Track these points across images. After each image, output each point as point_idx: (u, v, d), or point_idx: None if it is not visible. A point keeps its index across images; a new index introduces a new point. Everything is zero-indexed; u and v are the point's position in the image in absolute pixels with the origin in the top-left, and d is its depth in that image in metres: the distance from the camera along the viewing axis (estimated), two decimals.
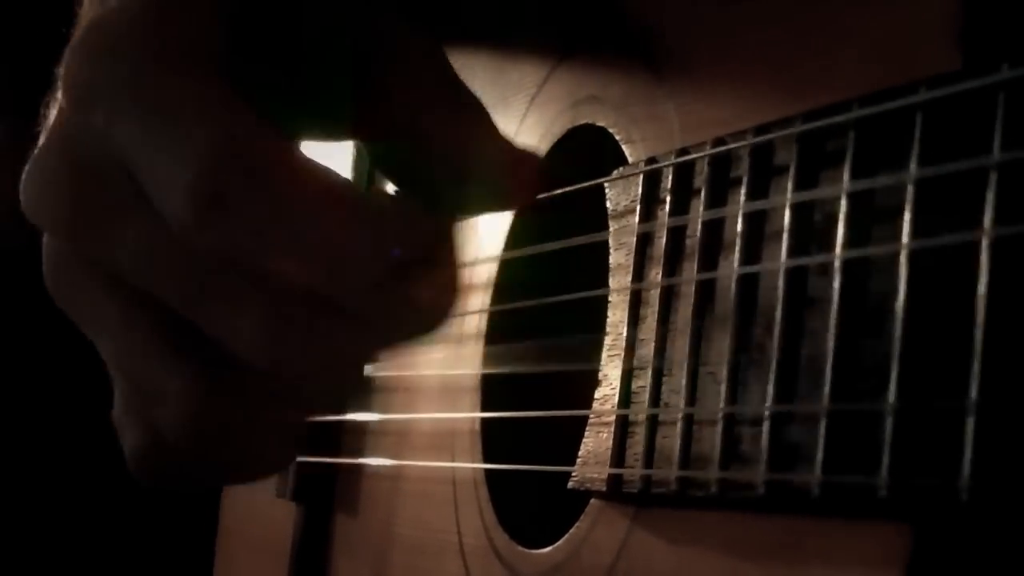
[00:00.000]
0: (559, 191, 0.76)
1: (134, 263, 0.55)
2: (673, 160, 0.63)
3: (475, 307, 0.83)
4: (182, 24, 0.54)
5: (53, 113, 0.58)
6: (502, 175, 0.57)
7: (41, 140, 0.57)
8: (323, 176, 0.53)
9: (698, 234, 0.61)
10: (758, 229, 0.57)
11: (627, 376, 0.65)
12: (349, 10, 0.58)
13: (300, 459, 0.98)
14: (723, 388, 0.57)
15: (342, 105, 0.58)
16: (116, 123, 0.53)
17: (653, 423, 0.62)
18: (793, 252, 0.54)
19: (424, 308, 0.55)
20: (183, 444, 0.56)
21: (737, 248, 0.58)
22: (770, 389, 0.54)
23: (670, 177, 0.63)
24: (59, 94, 0.56)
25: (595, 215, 0.70)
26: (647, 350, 0.64)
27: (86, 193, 0.55)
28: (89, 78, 0.54)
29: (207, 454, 0.57)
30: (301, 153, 0.54)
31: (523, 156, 0.58)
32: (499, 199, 0.58)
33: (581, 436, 0.68)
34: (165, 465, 0.58)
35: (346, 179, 0.54)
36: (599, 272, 0.69)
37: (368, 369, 0.60)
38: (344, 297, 0.53)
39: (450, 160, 0.57)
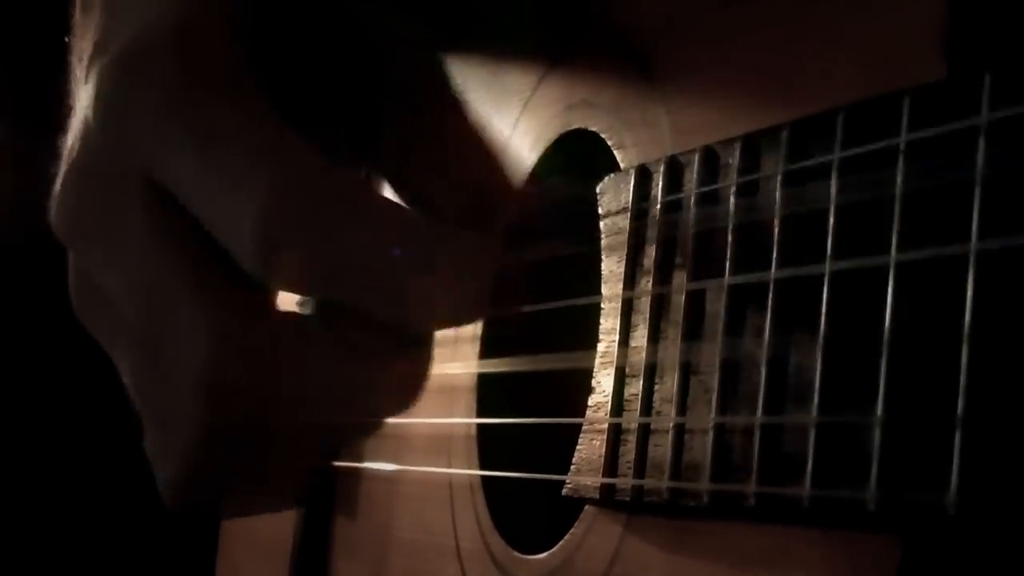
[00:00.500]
0: (551, 194, 0.76)
1: (158, 285, 0.55)
2: (663, 168, 0.63)
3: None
4: (216, 48, 0.54)
5: (76, 134, 0.57)
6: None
7: (69, 157, 0.57)
8: (389, 209, 0.53)
9: (689, 242, 0.61)
10: (747, 237, 0.57)
11: (620, 383, 0.65)
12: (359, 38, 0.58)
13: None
14: (714, 398, 0.57)
15: (359, 122, 0.58)
16: (160, 151, 0.53)
17: (645, 431, 0.62)
18: (782, 262, 0.54)
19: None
20: (186, 474, 0.56)
21: (727, 256, 0.58)
22: (760, 400, 0.54)
23: (660, 185, 0.63)
24: (86, 112, 0.56)
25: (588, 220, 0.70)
26: (639, 358, 0.64)
27: (115, 208, 0.55)
28: (122, 101, 0.54)
29: (215, 486, 0.57)
30: (367, 185, 0.54)
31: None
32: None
33: (576, 442, 0.68)
34: (199, 494, 0.58)
35: (404, 207, 0.54)
36: (593, 279, 0.69)
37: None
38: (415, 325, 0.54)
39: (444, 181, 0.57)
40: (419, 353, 0.58)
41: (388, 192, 0.62)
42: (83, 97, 0.57)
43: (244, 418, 0.55)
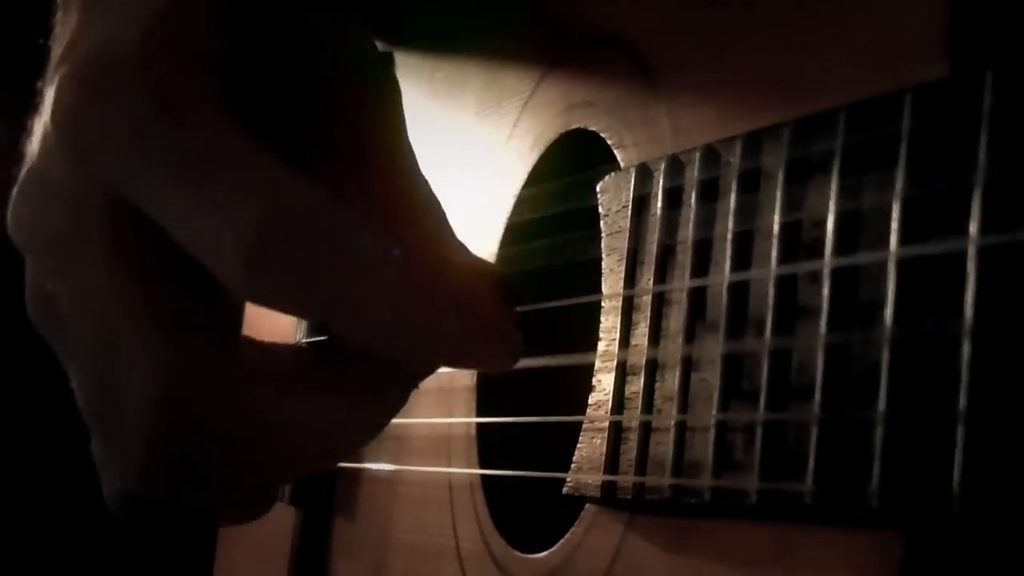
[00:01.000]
0: (550, 194, 0.76)
1: (113, 297, 0.54)
2: (663, 167, 0.63)
3: None
4: (185, 62, 0.53)
5: (37, 137, 0.56)
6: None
7: (29, 161, 0.56)
8: (369, 233, 0.52)
9: (689, 240, 0.61)
10: (748, 236, 0.57)
11: (620, 382, 0.65)
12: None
13: None
14: (715, 395, 0.57)
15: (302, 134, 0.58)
16: (135, 170, 0.52)
17: (646, 429, 0.62)
18: (783, 260, 0.54)
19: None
20: (143, 491, 0.55)
21: (728, 255, 0.58)
22: (762, 397, 0.54)
23: (661, 183, 0.63)
24: (46, 120, 0.55)
25: (588, 219, 0.70)
26: (640, 356, 0.64)
27: (72, 222, 0.54)
28: (79, 118, 0.53)
29: (178, 498, 0.56)
30: (346, 209, 0.53)
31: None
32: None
33: (576, 441, 0.68)
34: (139, 505, 0.57)
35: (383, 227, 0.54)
36: (593, 277, 0.69)
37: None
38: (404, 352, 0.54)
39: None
40: (397, 396, 0.57)
41: None
42: (46, 100, 0.55)
43: (191, 447, 0.54)
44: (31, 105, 0.58)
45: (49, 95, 0.54)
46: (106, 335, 0.53)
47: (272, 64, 0.57)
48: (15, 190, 0.56)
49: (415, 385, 0.58)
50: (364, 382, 0.56)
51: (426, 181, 0.58)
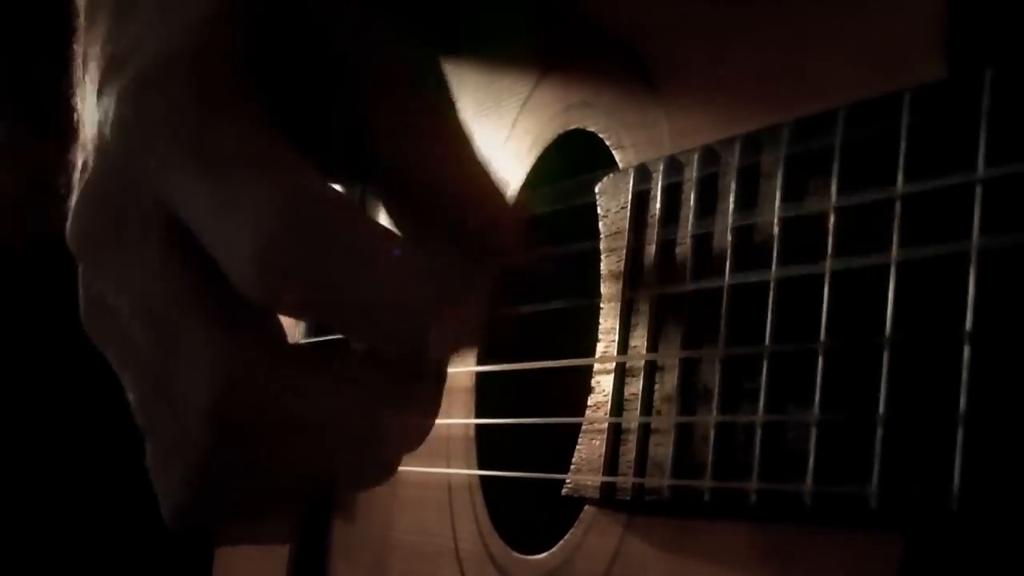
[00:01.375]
0: (549, 195, 0.76)
1: (169, 306, 0.55)
2: (662, 168, 0.63)
3: None
4: (230, 73, 0.55)
5: (92, 148, 0.58)
6: (479, 217, 0.58)
7: (85, 175, 0.58)
8: (381, 235, 0.54)
9: (688, 241, 0.61)
10: (747, 237, 0.57)
11: (619, 383, 0.65)
12: (345, 31, 0.58)
13: None
14: (715, 397, 0.57)
15: (335, 142, 0.58)
16: (170, 174, 0.53)
17: (646, 431, 0.62)
18: (782, 261, 0.54)
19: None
20: (191, 497, 0.56)
21: (727, 256, 0.58)
22: (761, 398, 0.54)
23: (660, 184, 0.63)
24: (104, 130, 0.56)
25: (587, 221, 0.70)
26: (639, 357, 0.64)
27: (129, 228, 0.55)
28: (146, 127, 0.54)
29: (224, 507, 0.57)
30: (359, 210, 0.55)
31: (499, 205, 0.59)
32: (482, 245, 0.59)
33: (576, 442, 0.68)
34: (198, 517, 0.58)
35: (393, 232, 0.55)
36: (592, 279, 0.69)
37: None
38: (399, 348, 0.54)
39: (430, 193, 0.57)
40: (429, 391, 0.58)
41: (382, 215, 0.63)
42: (97, 112, 0.57)
43: (248, 449, 0.55)
44: (65, 116, 0.60)
45: (104, 106, 0.56)
46: (161, 339, 0.55)
47: (299, 53, 0.58)
48: (74, 201, 0.57)
49: (442, 375, 0.59)
50: (387, 377, 0.57)
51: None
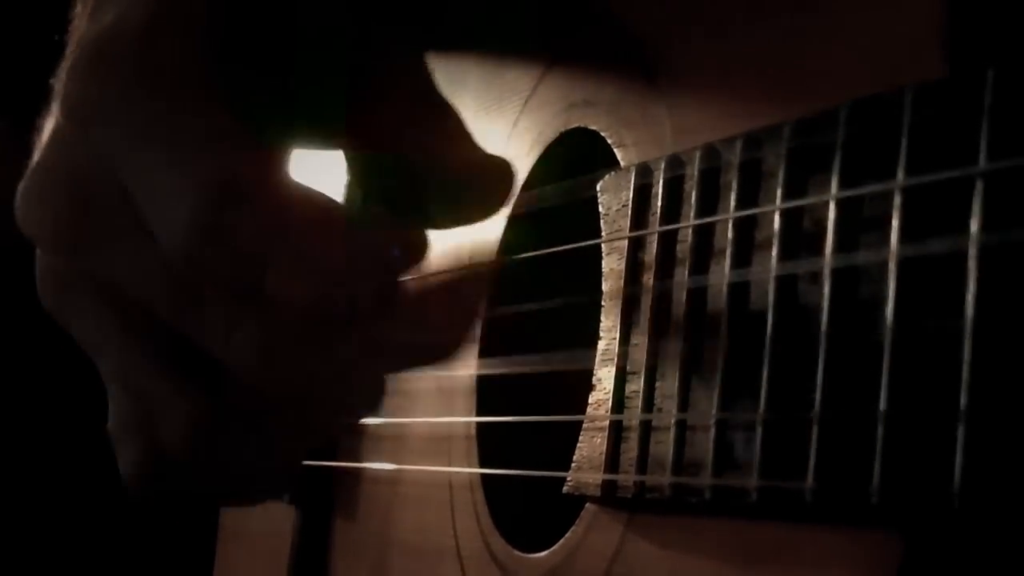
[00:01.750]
0: (550, 193, 0.76)
1: (129, 279, 0.55)
2: (663, 166, 0.63)
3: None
4: (176, 42, 0.55)
5: (49, 127, 0.58)
6: (476, 185, 0.58)
7: (37, 154, 0.58)
8: (314, 201, 0.54)
9: (689, 239, 0.61)
10: (748, 235, 0.57)
11: (620, 381, 0.65)
12: (342, 18, 0.58)
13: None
14: (715, 394, 0.57)
15: (333, 113, 0.58)
16: (114, 145, 0.54)
17: (646, 428, 0.62)
18: (783, 258, 0.54)
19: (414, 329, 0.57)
20: (182, 458, 0.56)
21: (728, 254, 0.58)
22: (762, 395, 0.54)
23: (661, 182, 0.63)
24: (55, 108, 0.57)
25: (588, 219, 0.70)
26: (640, 355, 0.64)
27: (81, 209, 0.55)
28: (86, 97, 0.54)
29: (205, 471, 0.57)
30: (291, 179, 0.55)
31: (497, 165, 0.59)
32: (474, 209, 0.59)
33: (576, 440, 0.68)
34: (161, 480, 0.58)
35: (332, 199, 0.55)
36: (593, 277, 0.69)
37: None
38: (338, 314, 0.54)
39: (428, 169, 0.57)
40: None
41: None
42: (56, 92, 0.58)
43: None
44: (39, 104, 0.60)
45: (59, 85, 0.56)
46: (123, 308, 0.55)
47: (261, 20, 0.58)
48: (23, 183, 0.57)
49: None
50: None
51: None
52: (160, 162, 0.53)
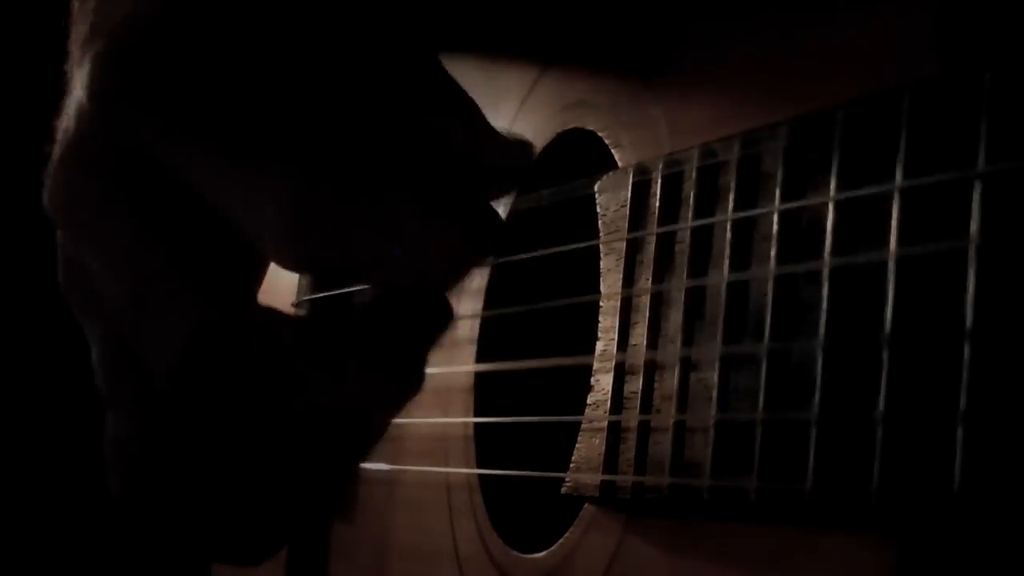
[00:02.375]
0: (548, 194, 0.76)
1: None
2: (661, 166, 0.63)
3: (467, 313, 0.83)
4: (214, 31, 0.56)
5: (71, 114, 0.58)
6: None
7: (63, 138, 0.58)
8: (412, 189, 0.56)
9: (687, 240, 0.61)
10: (746, 235, 0.57)
11: (619, 381, 0.65)
12: None
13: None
14: (714, 395, 0.57)
15: None
16: (171, 138, 0.54)
17: (645, 429, 0.62)
18: (781, 259, 0.54)
19: None
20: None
21: (726, 254, 0.58)
22: (761, 397, 0.54)
23: (659, 183, 0.63)
24: (79, 95, 0.57)
25: (586, 219, 0.70)
26: (638, 355, 0.63)
27: (104, 188, 0.56)
28: (121, 86, 0.55)
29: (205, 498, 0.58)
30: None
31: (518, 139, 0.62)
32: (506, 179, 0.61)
33: (575, 441, 0.68)
34: (150, 488, 0.58)
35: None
36: (591, 277, 0.69)
37: None
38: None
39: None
40: (404, 385, 0.59)
41: None
42: (77, 79, 0.58)
43: (211, 395, 0.55)
44: (61, 89, 0.61)
45: (82, 73, 0.57)
46: (134, 293, 0.56)
47: None
48: (50, 165, 0.58)
49: (421, 359, 0.60)
50: (370, 351, 0.58)
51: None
52: (248, 170, 0.54)
